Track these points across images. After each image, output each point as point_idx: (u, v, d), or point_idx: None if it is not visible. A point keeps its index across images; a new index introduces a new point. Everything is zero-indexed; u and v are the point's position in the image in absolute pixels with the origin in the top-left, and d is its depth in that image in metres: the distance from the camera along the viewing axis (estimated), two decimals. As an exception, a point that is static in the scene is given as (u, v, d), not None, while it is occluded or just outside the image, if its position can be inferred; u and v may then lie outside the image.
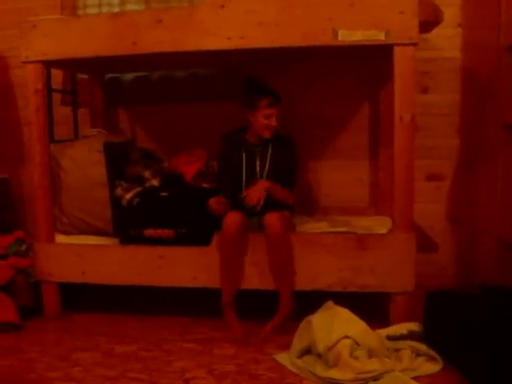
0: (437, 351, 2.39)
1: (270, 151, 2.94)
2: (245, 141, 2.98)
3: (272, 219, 2.68)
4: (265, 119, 2.84)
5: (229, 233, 2.69)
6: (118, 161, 3.11)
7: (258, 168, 2.94)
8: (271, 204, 2.81)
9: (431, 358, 2.37)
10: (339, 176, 3.52)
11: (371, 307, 2.72)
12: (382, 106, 3.30)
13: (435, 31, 2.99)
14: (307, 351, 2.43)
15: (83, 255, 2.96)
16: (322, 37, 2.58)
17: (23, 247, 3.19)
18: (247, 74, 3.23)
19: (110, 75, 3.71)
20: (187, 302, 3.23)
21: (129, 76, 3.69)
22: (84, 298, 3.32)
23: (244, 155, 2.96)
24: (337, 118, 3.50)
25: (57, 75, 3.48)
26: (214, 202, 2.79)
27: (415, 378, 2.24)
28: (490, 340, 2.16)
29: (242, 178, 2.95)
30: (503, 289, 2.64)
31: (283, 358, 2.46)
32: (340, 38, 2.57)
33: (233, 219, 2.71)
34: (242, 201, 2.82)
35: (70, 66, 3.29)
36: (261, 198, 2.78)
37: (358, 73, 3.43)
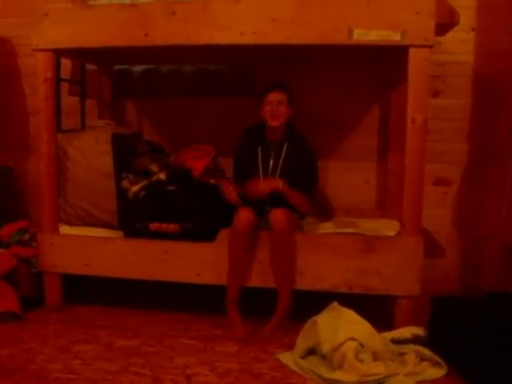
0: (441, 356, 2.37)
1: (284, 149, 2.92)
2: (262, 137, 2.98)
3: (277, 215, 2.67)
4: (267, 106, 2.86)
5: (241, 228, 2.68)
6: (125, 153, 3.08)
7: (271, 165, 2.94)
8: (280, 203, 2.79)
9: (435, 363, 2.36)
10: (346, 177, 3.50)
11: (376, 310, 2.70)
12: (392, 108, 3.26)
13: (449, 35, 2.95)
14: (311, 352, 2.41)
15: (87, 247, 2.94)
16: (337, 35, 2.56)
17: (26, 237, 3.16)
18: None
19: (118, 67, 3.68)
20: (190, 297, 3.21)
21: (137, 68, 3.67)
22: (85, 291, 3.29)
23: (260, 151, 2.96)
24: (346, 119, 3.48)
25: (66, 65, 3.45)
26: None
27: (419, 383, 2.23)
28: (495, 347, 2.15)
29: (256, 173, 2.95)
30: (508, 295, 2.63)
31: (286, 357, 2.44)
32: (355, 37, 2.55)
33: (245, 215, 2.70)
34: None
35: (79, 55, 3.27)
36: (267, 191, 2.79)
37: (369, 74, 3.41)
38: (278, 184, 2.81)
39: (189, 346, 2.59)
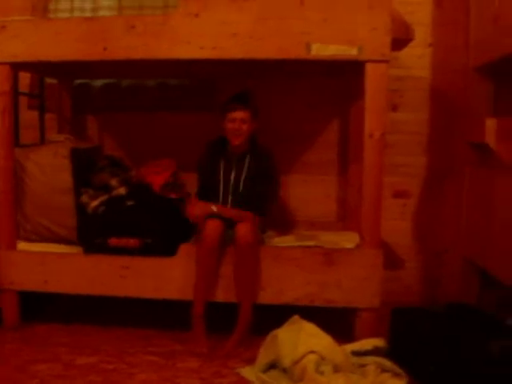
0: (401, 367, 2.39)
1: (246, 162, 2.90)
2: (225, 150, 2.94)
3: (243, 230, 2.66)
4: (230, 124, 2.83)
5: (209, 241, 2.66)
6: (85, 168, 3.04)
7: (232, 179, 2.91)
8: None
9: (396, 374, 2.37)
10: (307, 191, 3.53)
11: (337, 322, 2.71)
12: (351, 122, 3.31)
13: (405, 50, 3.03)
14: (272, 366, 2.41)
15: (46, 263, 2.88)
16: (296, 50, 2.59)
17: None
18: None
19: (79, 81, 3.65)
20: (150, 313, 3.17)
21: (98, 82, 3.64)
22: (45, 309, 3.23)
23: (222, 164, 2.93)
24: (306, 132, 3.51)
25: (24, 78, 3.40)
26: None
27: (380, 394, 2.24)
28: (455, 357, 2.17)
29: (218, 186, 2.91)
30: (467, 306, 2.68)
31: (248, 372, 2.43)
32: (313, 53, 2.58)
33: (214, 227, 2.68)
34: None
35: (39, 69, 3.22)
36: (200, 216, 2.76)
37: (329, 89, 3.45)
38: (212, 208, 2.76)
39: (149, 363, 2.55)
